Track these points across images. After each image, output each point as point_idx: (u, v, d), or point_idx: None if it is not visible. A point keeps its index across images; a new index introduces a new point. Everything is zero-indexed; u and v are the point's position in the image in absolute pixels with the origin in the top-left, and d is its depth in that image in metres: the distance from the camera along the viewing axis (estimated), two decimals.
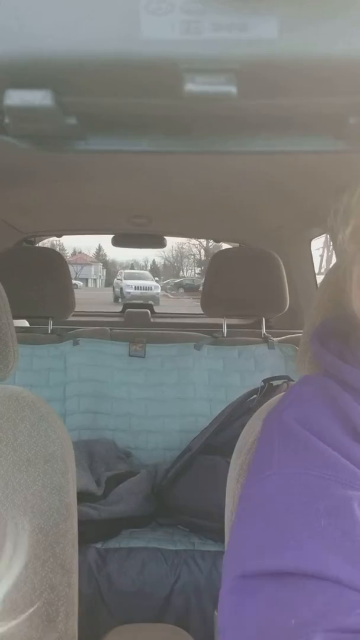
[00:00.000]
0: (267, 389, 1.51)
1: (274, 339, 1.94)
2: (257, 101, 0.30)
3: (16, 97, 0.29)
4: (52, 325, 1.90)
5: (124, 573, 1.25)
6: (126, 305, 2.85)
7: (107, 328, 1.99)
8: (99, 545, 1.32)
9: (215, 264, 1.87)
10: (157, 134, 0.34)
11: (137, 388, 1.83)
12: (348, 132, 0.33)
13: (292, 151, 0.35)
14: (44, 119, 0.31)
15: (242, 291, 1.82)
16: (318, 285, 0.78)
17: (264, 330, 1.94)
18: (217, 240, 2.63)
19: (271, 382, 1.54)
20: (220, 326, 1.95)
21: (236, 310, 1.90)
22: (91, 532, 1.31)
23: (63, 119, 0.31)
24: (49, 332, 1.90)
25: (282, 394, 0.69)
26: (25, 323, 2.15)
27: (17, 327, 0.87)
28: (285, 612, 0.40)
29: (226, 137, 0.34)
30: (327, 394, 0.55)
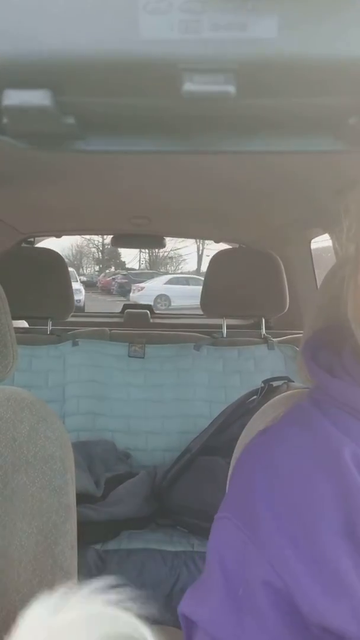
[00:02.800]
0: (267, 390, 1.51)
1: (274, 339, 1.94)
2: (256, 101, 0.30)
3: (14, 97, 0.29)
4: (51, 325, 1.90)
5: (124, 574, 1.25)
6: (125, 306, 2.85)
7: (107, 329, 1.98)
8: (98, 546, 1.32)
9: (215, 265, 1.87)
10: (156, 134, 0.34)
11: (136, 389, 1.83)
12: (348, 132, 0.32)
13: (291, 151, 0.35)
14: (42, 119, 0.31)
15: (242, 292, 1.82)
16: (318, 286, 0.78)
17: (263, 331, 1.94)
18: (217, 241, 2.63)
19: (271, 383, 1.54)
20: (220, 327, 1.95)
21: (236, 310, 1.89)
22: (90, 533, 1.31)
23: (61, 119, 0.31)
24: (48, 332, 1.89)
25: (281, 394, 0.69)
26: (24, 324, 2.15)
27: (16, 328, 0.87)
28: None
29: (225, 137, 0.34)
30: (311, 437, 0.52)
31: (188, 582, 1.24)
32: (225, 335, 1.94)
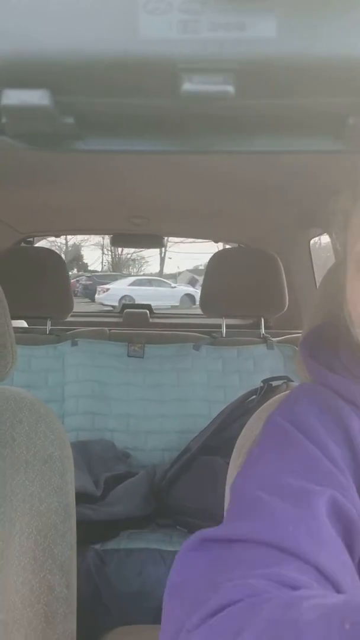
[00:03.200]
0: (266, 390, 1.51)
1: (273, 339, 1.94)
2: (255, 101, 0.30)
3: (13, 97, 0.29)
4: (51, 325, 1.90)
5: (123, 574, 1.25)
6: (125, 306, 2.85)
7: (106, 328, 1.98)
8: (97, 546, 1.32)
9: (214, 265, 1.87)
10: (155, 134, 0.34)
11: (135, 388, 1.83)
12: (347, 132, 0.32)
13: (290, 151, 0.35)
14: (41, 119, 0.31)
15: (241, 291, 1.82)
16: (317, 286, 0.78)
17: (262, 331, 1.94)
18: (216, 241, 2.63)
19: (270, 382, 1.54)
20: (219, 326, 1.95)
21: (235, 310, 1.89)
22: (90, 533, 1.31)
23: (60, 118, 0.31)
24: (48, 332, 1.89)
25: (282, 394, 0.69)
26: (23, 323, 2.15)
27: (15, 328, 0.87)
28: (219, 570, 0.43)
29: (224, 137, 0.34)
30: (322, 400, 0.56)
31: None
32: (224, 335, 1.94)
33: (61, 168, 1.34)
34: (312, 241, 2.11)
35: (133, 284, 14.48)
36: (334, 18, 0.25)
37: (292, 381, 1.54)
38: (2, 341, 0.80)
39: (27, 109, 0.29)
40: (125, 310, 2.67)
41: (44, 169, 1.35)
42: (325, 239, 1.96)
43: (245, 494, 0.49)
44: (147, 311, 2.67)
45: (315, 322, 0.67)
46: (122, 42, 0.26)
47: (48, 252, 1.86)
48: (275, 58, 0.26)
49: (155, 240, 2.39)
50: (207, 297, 1.88)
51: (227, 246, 2.54)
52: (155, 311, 2.78)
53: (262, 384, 1.54)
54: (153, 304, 2.97)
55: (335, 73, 0.27)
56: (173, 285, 15.37)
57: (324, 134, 0.34)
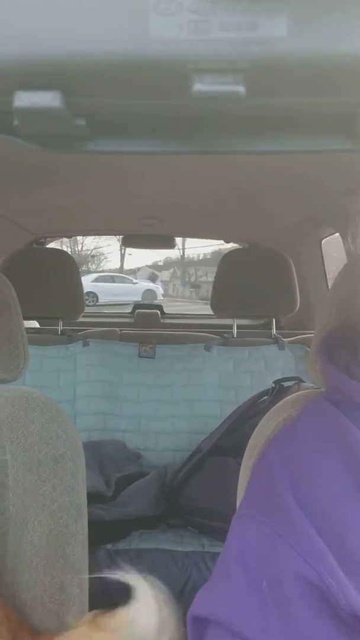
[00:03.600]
0: (278, 390, 1.51)
1: (284, 339, 1.93)
2: (265, 101, 0.30)
3: (25, 99, 0.29)
4: (62, 326, 1.91)
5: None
6: (136, 306, 2.85)
7: (117, 329, 1.99)
8: (109, 546, 1.33)
9: (225, 265, 1.87)
10: (166, 135, 0.34)
11: (146, 389, 1.83)
12: (358, 131, 0.32)
13: (301, 151, 0.34)
14: (53, 121, 0.31)
15: (252, 292, 1.82)
16: (329, 286, 0.78)
17: (274, 331, 1.94)
18: (227, 241, 2.62)
19: (282, 383, 1.53)
20: (230, 327, 1.95)
21: (246, 310, 1.89)
22: (101, 533, 1.31)
23: (72, 120, 0.31)
24: (59, 333, 1.90)
25: (292, 395, 0.69)
26: (35, 324, 2.16)
27: (27, 328, 0.87)
28: None
29: (235, 137, 0.34)
30: (328, 430, 0.53)
31: (199, 583, 1.24)
32: (235, 336, 1.94)
33: (72, 169, 1.35)
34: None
35: (96, 280, 14.46)
36: (344, 18, 0.25)
37: (303, 382, 1.53)
38: (14, 341, 0.81)
39: (38, 110, 0.29)
40: (136, 311, 2.67)
41: (55, 170, 1.35)
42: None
43: (229, 561, 0.48)
44: (158, 312, 2.67)
45: (329, 323, 0.67)
46: (133, 43, 0.26)
47: (60, 253, 1.87)
48: (286, 58, 0.26)
49: (166, 241, 2.39)
50: (218, 297, 1.87)
51: (237, 246, 2.53)
52: (116, 309, 2.78)
53: (273, 385, 1.53)
54: (115, 299, 2.97)
55: (346, 72, 0.27)
56: (135, 281, 15.32)
57: (335, 133, 0.33)
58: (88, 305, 2.01)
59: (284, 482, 0.49)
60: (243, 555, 0.47)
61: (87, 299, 2.15)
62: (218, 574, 0.49)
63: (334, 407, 0.54)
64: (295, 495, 0.48)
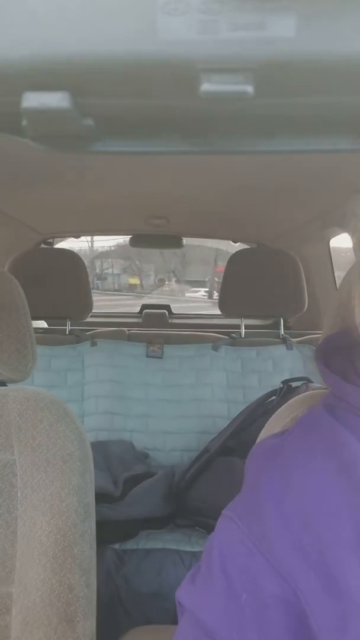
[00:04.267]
0: (286, 391, 1.50)
1: (293, 339, 1.92)
2: (274, 101, 0.30)
3: (33, 100, 0.29)
4: (70, 326, 1.91)
5: (142, 574, 1.26)
6: (144, 306, 2.85)
7: (125, 329, 1.99)
8: (116, 546, 1.33)
9: (233, 265, 1.87)
10: (174, 135, 0.34)
11: (154, 389, 1.84)
12: None
13: (310, 151, 0.34)
14: (61, 121, 0.31)
15: (260, 292, 1.82)
16: (337, 286, 0.77)
17: (282, 331, 1.93)
18: (235, 241, 2.62)
19: (290, 383, 1.53)
20: (238, 327, 1.95)
21: (254, 310, 1.89)
22: (109, 533, 1.32)
23: (80, 120, 0.31)
24: (67, 333, 1.91)
25: (299, 396, 0.69)
26: (43, 324, 2.16)
27: (35, 328, 0.87)
28: None
29: (243, 137, 0.34)
30: (320, 440, 0.52)
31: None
32: (243, 336, 1.94)
33: (81, 169, 1.35)
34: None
35: None
36: (353, 17, 0.25)
37: (311, 382, 1.53)
38: (22, 341, 0.81)
39: (47, 111, 0.29)
40: (144, 311, 2.67)
41: (63, 170, 1.36)
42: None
43: (212, 563, 0.48)
44: (166, 312, 2.67)
45: (333, 326, 0.67)
46: (141, 43, 0.26)
47: (68, 253, 1.87)
48: (295, 57, 0.26)
49: (174, 241, 2.39)
50: (226, 297, 1.87)
51: (245, 246, 2.53)
52: None
53: (281, 385, 1.53)
54: None
55: (355, 72, 0.27)
56: None
57: (344, 133, 0.33)
58: None
59: (268, 493, 0.49)
60: (225, 564, 0.47)
61: None
62: (204, 566, 0.49)
63: (329, 415, 0.54)
64: (278, 507, 0.47)
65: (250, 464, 0.56)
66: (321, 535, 0.44)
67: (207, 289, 10.46)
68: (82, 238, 2.71)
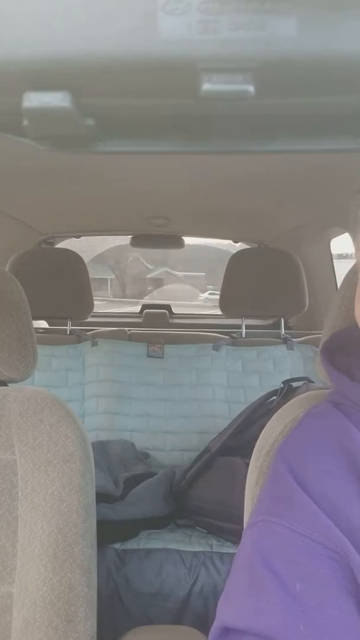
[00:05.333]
0: (286, 391, 1.50)
1: (293, 339, 1.92)
2: (275, 100, 0.30)
3: (34, 100, 0.29)
4: (71, 326, 1.91)
5: (142, 574, 1.26)
6: (144, 306, 2.85)
7: (126, 329, 1.99)
8: (117, 546, 1.33)
9: (233, 265, 1.87)
10: (175, 135, 0.34)
11: (155, 389, 1.84)
12: None
13: (310, 150, 0.34)
14: (62, 121, 0.31)
15: (261, 292, 1.82)
16: (338, 286, 0.77)
17: (282, 331, 1.93)
18: (235, 241, 2.62)
19: (291, 383, 1.53)
20: (239, 327, 1.95)
21: (255, 310, 1.89)
22: (109, 532, 1.32)
23: (81, 120, 0.31)
24: (68, 332, 1.91)
25: (300, 396, 0.69)
26: (44, 324, 2.16)
27: (36, 328, 0.87)
28: None
29: (244, 137, 0.34)
30: (332, 433, 0.53)
31: (206, 583, 1.24)
32: (244, 336, 1.94)
33: (81, 169, 1.35)
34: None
35: None
36: (354, 17, 0.25)
37: (312, 382, 1.53)
38: (23, 341, 0.81)
39: (48, 111, 0.29)
40: (144, 311, 2.67)
41: (64, 170, 1.36)
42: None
43: (251, 562, 0.47)
44: (167, 312, 2.67)
45: (335, 326, 0.67)
46: (142, 43, 0.26)
47: (68, 253, 1.87)
48: (295, 57, 0.26)
49: (175, 241, 2.39)
50: (227, 297, 1.87)
51: (246, 246, 2.53)
52: None
53: (282, 385, 1.53)
54: None
55: (355, 71, 0.27)
56: None
57: (345, 133, 0.33)
58: None
59: (293, 484, 0.50)
60: (269, 561, 0.46)
61: None
62: (245, 582, 0.47)
63: (336, 410, 0.55)
64: (306, 492, 0.48)
65: (273, 467, 0.56)
66: (347, 516, 0.46)
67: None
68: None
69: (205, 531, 1.46)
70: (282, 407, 0.69)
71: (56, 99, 0.29)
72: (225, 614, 0.46)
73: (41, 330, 2.04)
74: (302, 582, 0.43)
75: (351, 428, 0.51)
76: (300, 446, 0.54)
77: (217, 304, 1.94)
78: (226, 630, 0.45)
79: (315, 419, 0.57)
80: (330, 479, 0.49)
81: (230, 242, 2.71)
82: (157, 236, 2.31)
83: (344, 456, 0.50)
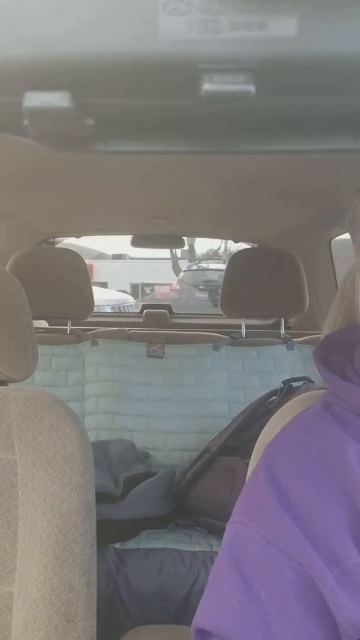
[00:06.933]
0: (286, 390, 1.50)
1: (293, 339, 1.92)
2: (275, 100, 0.30)
3: (35, 99, 0.29)
4: (71, 326, 1.91)
5: (143, 574, 1.26)
6: (145, 306, 2.85)
7: (126, 329, 1.99)
8: (117, 545, 1.33)
9: (234, 265, 1.87)
10: (175, 135, 0.34)
11: (155, 388, 1.84)
12: None
13: (310, 150, 0.34)
14: (62, 121, 0.31)
15: (262, 292, 1.82)
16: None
17: (283, 331, 1.93)
18: (236, 241, 2.62)
19: (291, 383, 1.53)
20: (239, 327, 1.95)
21: (255, 310, 1.89)
22: (109, 532, 1.32)
23: (81, 120, 0.31)
24: (68, 332, 1.91)
25: (299, 396, 0.69)
26: (44, 324, 2.16)
27: (36, 328, 0.87)
28: None
29: (244, 137, 0.34)
30: (315, 436, 0.53)
31: (207, 582, 1.23)
32: (244, 336, 1.94)
33: (82, 169, 1.35)
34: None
35: None
36: (355, 16, 0.25)
37: (312, 382, 1.53)
38: (23, 341, 0.81)
39: (48, 111, 0.29)
40: (145, 311, 2.67)
41: (64, 170, 1.36)
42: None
43: (227, 569, 0.48)
44: (167, 311, 2.67)
45: (334, 326, 0.67)
46: (142, 43, 0.26)
47: (69, 253, 1.87)
48: (296, 57, 0.26)
49: (175, 241, 2.39)
50: (227, 297, 1.87)
51: (247, 246, 2.53)
52: None
53: (282, 385, 1.53)
54: None
55: (356, 71, 0.27)
56: None
57: (345, 133, 0.33)
58: None
59: (269, 490, 0.50)
60: (240, 565, 0.47)
61: None
62: (217, 583, 0.49)
63: (326, 413, 0.55)
64: (281, 500, 0.48)
65: (255, 469, 0.56)
66: (325, 524, 0.45)
67: None
68: None
69: (205, 531, 1.46)
70: (281, 408, 0.69)
71: (57, 99, 0.29)
72: (198, 612, 0.48)
73: (41, 330, 2.04)
74: (267, 591, 0.44)
75: (337, 431, 0.51)
76: (282, 448, 0.55)
77: None
78: (199, 632, 0.47)
79: (302, 421, 0.57)
80: (308, 482, 0.49)
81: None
82: (158, 236, 2.31)
83: (324, 459, 0.50)
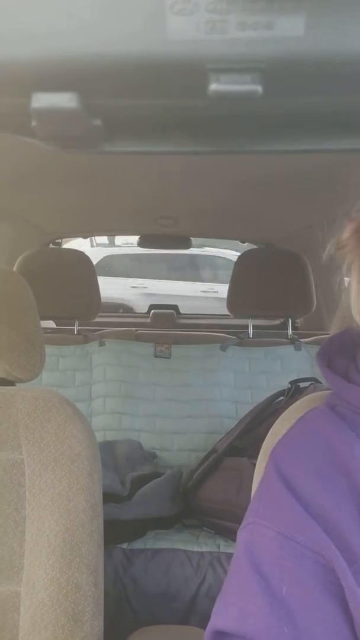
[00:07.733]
0: (294, 391, 1.50)
1: (301, 340, 1.92)
2: (283, 100, 0.30)
3: (43, 100, 0.29)
4: (78, 326, 1.92)
5: (149, 574, 1.26)
6: (152, 307, 2.85)
7: (133, 329, 1.99)
8: (124, 545, 1.33)
9: (241, 265, 1.86)
10: (183, 135, 0.34)
11: (162, 389, 1.84)
12: None
13: (319, 150, 0.34)
14: (70, 121, 0.31)
15: (269, 292, 1.81)
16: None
17: (290, 332, 1.93)
18: (243, 241, 2.61)
19: (298, 383, 1.52)
20: (246, 327, 1.94)
21: (262, 311, 1.88)
22: (116, 532, 1.32)
23: (89, 120, 0.31)
24: (75, 333, 1.91)
25: (305, 397, 0.69)
26: (51, 324, 2.17)
27: (43, 328, 0.88)
28: None
29: (252, 137, 0.34)
30: (321, 435, 0.53)
31: (214, 583, 1.23)
32: (251, 336, 1.93)
33: (89, 169, 1.36)
34: None
35: None
36: None
37: (319, 382, 1.52)
38: (31, 341, 0.81)
39: (56, 111, 0.29)
40: (152, 311, 2.67)
41: (72, 170, 1.36)
42: None
43: (245, 570, 0.48)
44: (174, 312, 2.67)
45: (342, 327, 0.66)
46: (150, 43, 0.26)
47: (76, 253, 1.87)
48: (304, 57, 0.26)
49: (183, 241, 2.39)
50: (234, 297, 1.87)
51: (254, 246, 2.53)
52: None
53: (289, 385, 1.52)
54: None
55: None
56: None
57: (353, 132, 0.33)
58: None
59: (281, 487, 0.50)
60: (258, 564, 0.47)
61: None
62: (236, 585, 0.48)
63: (330, 411, 0.55)
64: (295, 496, 0.49)
65: (266, 470, 0.56)
66: (338, 518, 0.46)
67: None
68: None
69: (212, 531, 1.46)
70: (288, 409, 0.69)
71: (64, 100, 0.29)
72: (216, 616, 0.47)
73: (49, 331, 2.05)
74: (288, 586, 0.44)
75: (344, 429, 0.52)
76: (290, 449, 0.55)
77: None
78: (218, 634, 0.46)
79: (308, 421, 0.57)
80: (319, 480, 0.49)
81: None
82: (165, 236, 2.31)
83: (333, 458, 0.50)
